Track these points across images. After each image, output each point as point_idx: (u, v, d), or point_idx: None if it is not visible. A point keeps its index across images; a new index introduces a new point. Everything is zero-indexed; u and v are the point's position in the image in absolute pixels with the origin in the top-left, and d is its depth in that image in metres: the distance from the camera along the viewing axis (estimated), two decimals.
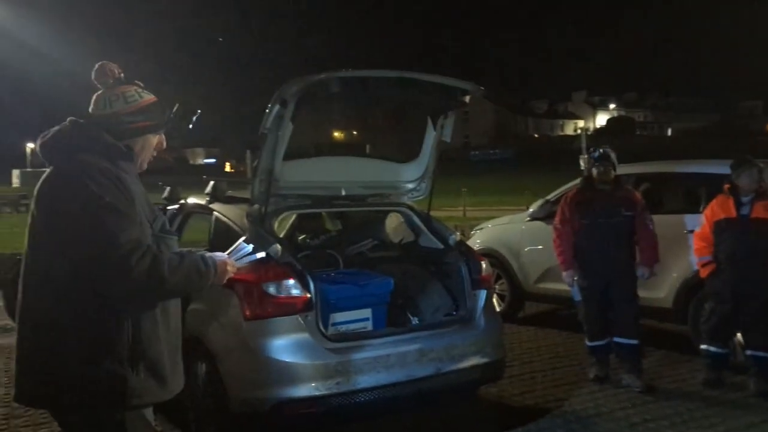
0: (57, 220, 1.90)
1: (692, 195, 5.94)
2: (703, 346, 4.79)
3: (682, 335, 5.47)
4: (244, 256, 2.20)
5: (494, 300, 7.11)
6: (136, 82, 2.12)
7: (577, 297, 4.96)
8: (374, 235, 4.93)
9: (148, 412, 2.08)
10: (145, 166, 2.16)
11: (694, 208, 5.57)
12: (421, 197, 4.81)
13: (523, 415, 4.24)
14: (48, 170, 2.00)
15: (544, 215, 6.53)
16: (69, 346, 1.90)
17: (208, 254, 2.08)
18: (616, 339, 4.79)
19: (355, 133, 5.54)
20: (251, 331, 3.53)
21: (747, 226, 4.50)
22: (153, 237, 1.99)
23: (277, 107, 3.69)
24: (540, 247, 6.56)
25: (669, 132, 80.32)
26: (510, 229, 7.26)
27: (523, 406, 4.45)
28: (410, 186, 4.71)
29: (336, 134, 5.37)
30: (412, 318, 4.25)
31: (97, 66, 2.07)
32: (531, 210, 6.87)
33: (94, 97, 2.08)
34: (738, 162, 4.66)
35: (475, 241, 7.54)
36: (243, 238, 2.33)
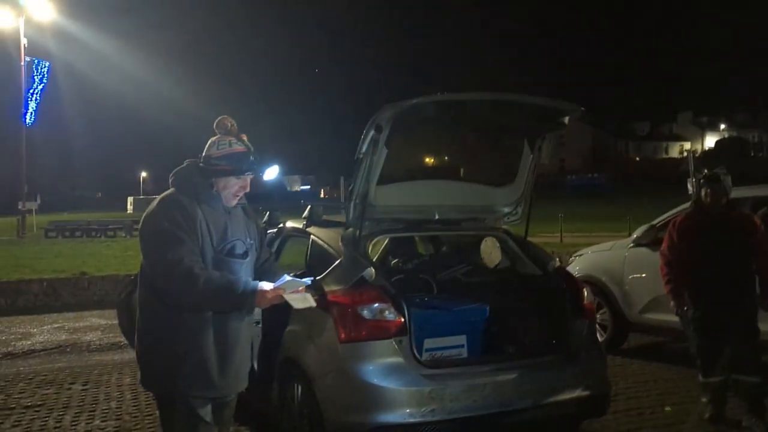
0: (142, 244, 2.49)
1: None
2: None
3: None
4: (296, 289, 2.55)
5: (596, 330, 6.80)
6: (242, 135, 2.57)
7: (688, 328, 4.62)
8: (468, 259, 4.84)
9: (206, 411, 2.50)
10: (233, 203, 2.59)
11: None
12: (517, 221, 4.69)
13: None
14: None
15: (649, 241, 6.19)
16: (144, 342, 2.47)
17: (253, 281, 2.51)
18: (735, 376, 4.40)
19: (446, 157, 5.51)
20: (346, 354, 3.54)
21: None
22: (213, 259, 2.47)
23: (372, 132, 3.73)
24: (644, 274, 6.22)
25: None
26: (612, 256, 6.92)
27: None
28: (506, 210, 4.61)
29: (428, 159, 5.36)
30: (509, 346, 4.11)
31: (217, 119, 2.56)
32: (635, 236, 6.54)
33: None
34: None
35: (575, 268, 7.24)
36: (289, 274, 2.67)
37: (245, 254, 2.59)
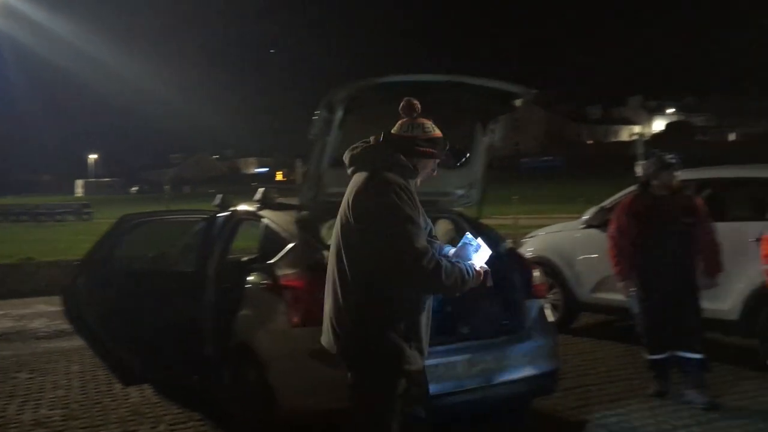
0: (369, 225, 2.40)
1: (758, 201, 5.65)
2: None
3: (749, 349, 5.17)
4: (476, 251, 2.56)
5: (547, 310, 6.94)
6: (428, 119, 2.61)
7: (636, 308, 4.76)
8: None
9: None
10: (419, 184, 2.59)
11: (760, 215, 5.30)
12: (470, 204, 4.72)
13: (578, 431, 4.07)
14: (358, 180, 2.48)
15: (599, 223, 6.33)
16: (369, 320, 2.42)
17: (466, 263, 2.50)
18: (678, 353, 4.56)
19: None
20: (299, 338, 3.51)
21: None
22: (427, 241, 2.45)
23: (323, 113, 3.68)
24: (595, 255, 6.36)
25: (733, 137, 77.15)
26: (563, 237, 7.07)
27: (578, 420, 4.28)
28: (459, 192, 4.63)
29: None
30: (461, 327, 4.16)
31: (404, 102, 2.58)
32: (586, 217, 6.68)
33: (399, 122, 2.58)
34: None
35: (527, 250, 7.36)
36: (468, 235, 2.64)
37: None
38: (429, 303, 2.57)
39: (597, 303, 6.50)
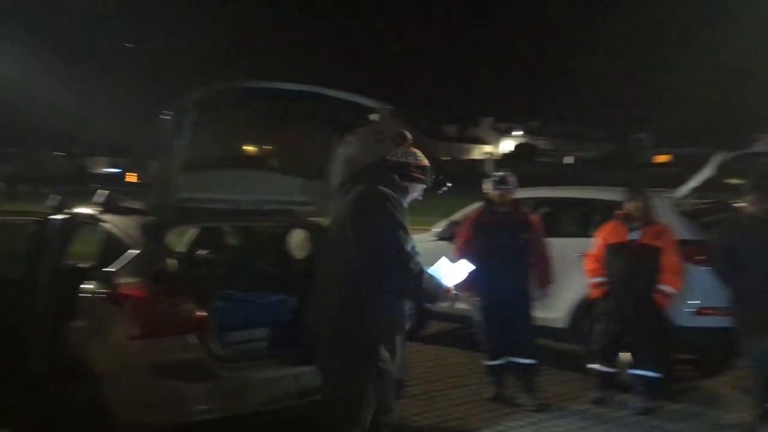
0: (364, 227, 2.67)
1: (586, 219, 6.25)
2: (593, 366, 4.99)
3: (575, 354, 5.69)
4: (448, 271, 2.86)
5: None
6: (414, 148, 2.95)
7: (477, 316, 5.05)
8: (278, 251, 4.81)
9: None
10: (405, 205, 2.85)
11: (587, 232, 5.85)
12: (326, 214, 4.75)
13: None
14: (357, 191, 2.78)
15: (449, 235, 6.63)
16: (350, 316, 2.69)
17: (440, 279, 2.80)
18: (514, 359, 4.91)
19: (265, 147, 5.42)
20: (139, 351, 3.32)
21: (635, 251, 4.76)
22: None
23: (176, 114, 3.53)
24: None
25: (569, 160, 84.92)
26: (421, 248, 7.28)
27: (421, 426, 4.45)
28: (317, 202, 4.65)
29: (247, 147, 5.21)
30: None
31: (397, 132, 2.93)
32: (437, 230, 6.97)
33: (392, 149, 2.92)
34: (631, 190, 4.91)
35: None
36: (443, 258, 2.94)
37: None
38: (403, 311, 2.88)
39: (444, 311, 6.79)
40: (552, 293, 5.10)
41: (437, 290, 2.76)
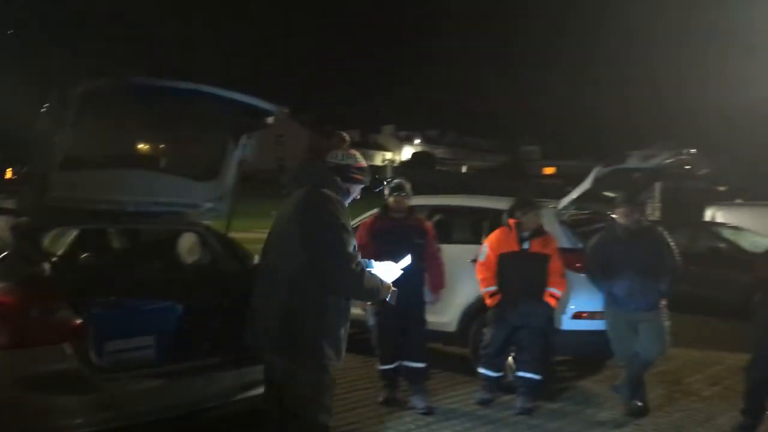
0: (306, 230, 2.74)
1: (476, 227, 6.49)
2: (480, 370, 5.18)
3: (464, 357, 5.88)
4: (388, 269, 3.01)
5: None
6: (357, 150, 3.06)
7: (371, 321, 5.10)
8: (166, 255, 4.62)
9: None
10: (346, 206, 2.93)
11: (478, 239, 6.08)
12: (219, 217, 4.63)
13: None
14: (298, 193, 2.86)
15: None
16: (293, 312, 2.74)
17: (381, 277, 2.93)
18: (405, 363, 5.00)
19: (155, 146, 5.19)
20: (5, 363, 3.06)
21: (526, 259, 4.99)
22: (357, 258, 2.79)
23: (54, 107, 3.31)
24: None
25: (464, 169, 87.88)
26: None
27: None
28: (208, 205, 4.52)
29: (135, 146, 4.95)
30: (202, 345, 4.03)
31: (336, 135, 3.00)
32: None
33: (331, 151, 2.97)
34: (522, 202, 5.15)
35: None
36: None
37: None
38: (348, 310, 2.91)
39: None
40: (443, 298, 5.25)
41: (378, 288, 2.85)
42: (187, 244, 4.62)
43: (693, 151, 5.41)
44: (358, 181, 3.00)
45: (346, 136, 3.04)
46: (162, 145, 4.73)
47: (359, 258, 2.79)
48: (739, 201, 13.14)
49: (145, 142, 4.69)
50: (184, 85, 3.79)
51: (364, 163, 3.04)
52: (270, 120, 4.16)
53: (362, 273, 2.74)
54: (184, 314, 4.00)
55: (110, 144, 4.18)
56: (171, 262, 4.56)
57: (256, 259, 4.47)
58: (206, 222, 4.64)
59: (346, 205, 2.92)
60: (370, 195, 3.65)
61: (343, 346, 2.88)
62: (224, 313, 4.15)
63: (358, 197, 3.05)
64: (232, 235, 4.67)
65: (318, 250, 2.71)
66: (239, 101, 3.91)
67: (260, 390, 3.78)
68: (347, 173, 2.95)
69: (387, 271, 2.99)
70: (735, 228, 10.48)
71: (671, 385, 5.77)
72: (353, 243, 2.79)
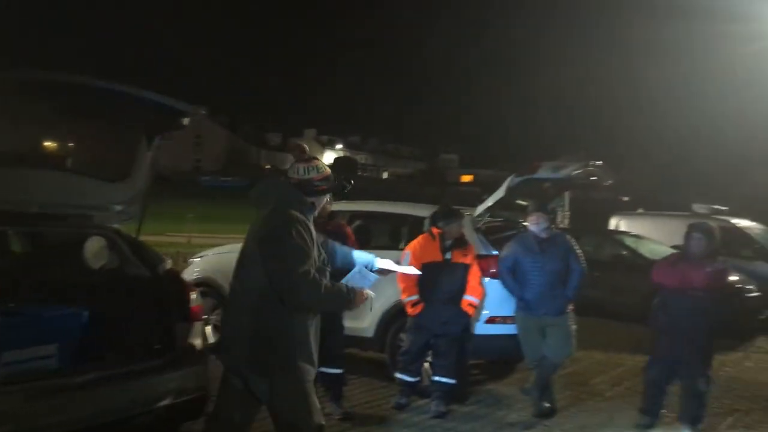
0: (269, 250, 2.82)
1: (396, 233, 6.58)
2: (398, 375, 5.24)
3: (381, 362, 5.93)
4: (367, 274, 3.09)
5: (209, 332, 6.86)
6: (317, 157, 3.10)
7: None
8: (71, 260, 4.39)
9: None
10: (316, 215, 3.09)
11: (397, 245, 6.17)
12: (129, 220, 4.45)
13: None
14: (266, 213, 2.91)
15: None
16: (262, 333, 2.84)
17: (350, 285, 2.99)
18: (322, 369, 4.96)
19: (62, 145, 4.92)
20: None
21: (449, 269, 5.10)
22: (316, 267, 2.87)
23: None
24: None
25: (385, 175, 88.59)
26: (230, 258, 6.98)
27: None
28: (118, 208, 4.33)
29: (39, 144, 4.67)
30: (109, 353, 3.86)
31: (292, 144, 3.03)
32: None
33: (290, 164, 3.01)
34: (446, 212, 5.24)
35: (194, 270, 7.25)
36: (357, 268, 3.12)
37: (326, 263, 3.00)
38: (316, 322, 3.00)
39: None
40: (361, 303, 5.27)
41: (348, 299, 2.93)
42: (94, 247, 4.40)
43: (599, 163, 5.71)
44: (322, 192, 3.04)
45: (305, 147, 3.22)
46: (70, 144, 4.49)
47: (323, 275, 2.88)
48: (640, 211, 13.97)
49: (51, 139, 4.44)
50: (94, 82, 3.63)
51: (327, 171, 3.04)
52: (185, 121, 4.05)
53: (316, 285, 2.79)
54: (90, 321, 3.82)
55: (10, 140, 3.93)
56: (77, 267, 4.33)
57: (169, 263, 4.34)
58: (116, 225, 4.44)
59: (311, 219, 2.98)
60: None
61: (314, 356, 2.98)
62: (133, 319, 3.99)
63: (329, 203, 3.14)
64: (144, 238, 4.50)
65: (273, 269, 2.79)
66: (153, 100, 3.79)
67: (169, 400, 3.69)
68: (310, 187, 2.97)
69: (361, 277, 3.05)
70: (636, 236, 11.14)
71: (577, 386, 6.06)
72: (311, 260, 2.84)
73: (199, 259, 7.61)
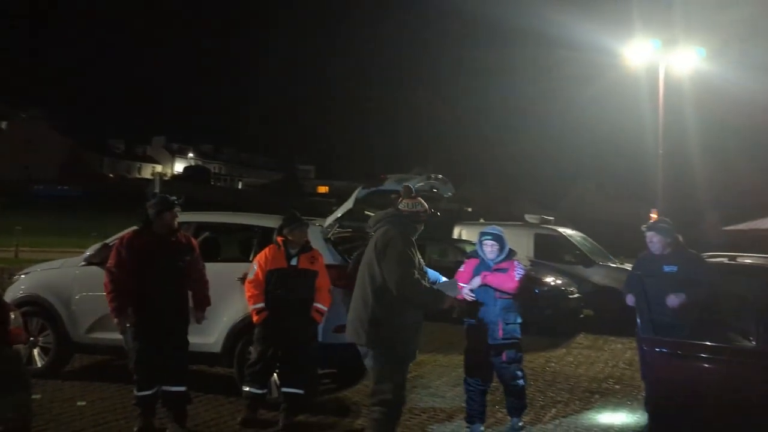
0: (386, 256, 3.95)
1: (245, 245, 6.46)
2: (245, 388, 5.13)
3: (230, 378, 5.77)
4: (454, 284, 4.45)
5: (36, 354, 6.28)
6: (418, 197, 4.25)
7: (130, 344, 4.77)
8: None
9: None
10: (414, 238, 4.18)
11: (246, 257, 6.05)
12: None
13: None
14: (382, 230, 4.09)
15: (101, 260, 6.13)
16: (383, 319, 3.95)
17: (445, 291, 4.11)
18: (165, 387, 4.75)
19: None
20: None
21: (295, 276, 5.09)
22: (418, 272, 3.97)
23: None
24: (94, 293, 6.10)
25: (240, 185, 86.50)
26: (61, 274, 6.58)
27: None
28: None
29: None
30: None
31: (405, 187, 4.29)
32: (87, 254, 6.38)
33: (402, 200, 4.19)
34: (290, 219, 5.24)
35: (20, 287, 6.63)
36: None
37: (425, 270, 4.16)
38: (417, 317, 4.03)
39: (94, 343, 6.24)
40: (208, 318, 5.12)
41: (435, 297, 3.97)
42: None
43: (440, 176, 6.04)
44: (424, 220, 4.15)
45: (412, 188, 4.27)
46: None
47: (419, 277, 3.91)
48: (481, 220, 14.93)
49: None
50: None
51: (425, 204, 4.18)
52: (2, 126, 3.70)
53: (419, 283, 3.86)
54: None
55: None
56: None
57: None
58: None
59: (414, 238, 4.08)
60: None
61: (413, 340, 4.01)
62: None
63: (422, 228, 4.15)
64: None
65: (388, 269, 3.88)
66: None
67: None
68: (418, 217, 4.12)
69: (451, 285, 4.23)
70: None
71: (421, 389, 6.33)
72: (414, 265, 3.91)
73: (24, 275, 6.95)
